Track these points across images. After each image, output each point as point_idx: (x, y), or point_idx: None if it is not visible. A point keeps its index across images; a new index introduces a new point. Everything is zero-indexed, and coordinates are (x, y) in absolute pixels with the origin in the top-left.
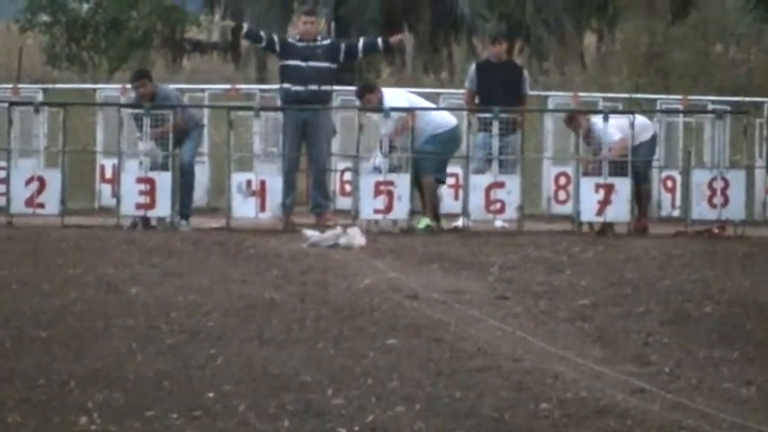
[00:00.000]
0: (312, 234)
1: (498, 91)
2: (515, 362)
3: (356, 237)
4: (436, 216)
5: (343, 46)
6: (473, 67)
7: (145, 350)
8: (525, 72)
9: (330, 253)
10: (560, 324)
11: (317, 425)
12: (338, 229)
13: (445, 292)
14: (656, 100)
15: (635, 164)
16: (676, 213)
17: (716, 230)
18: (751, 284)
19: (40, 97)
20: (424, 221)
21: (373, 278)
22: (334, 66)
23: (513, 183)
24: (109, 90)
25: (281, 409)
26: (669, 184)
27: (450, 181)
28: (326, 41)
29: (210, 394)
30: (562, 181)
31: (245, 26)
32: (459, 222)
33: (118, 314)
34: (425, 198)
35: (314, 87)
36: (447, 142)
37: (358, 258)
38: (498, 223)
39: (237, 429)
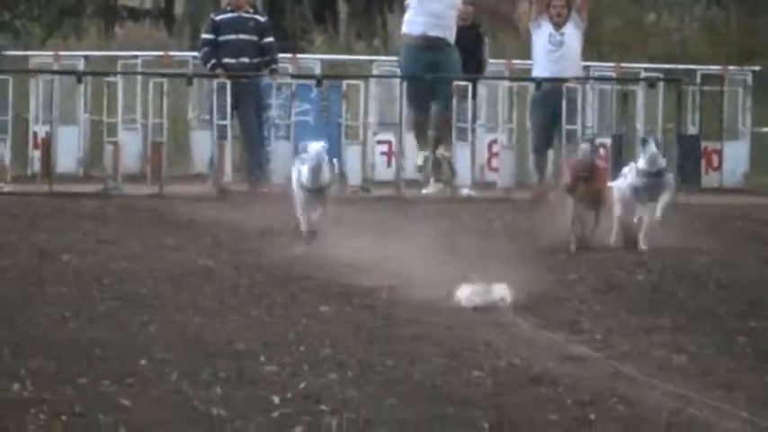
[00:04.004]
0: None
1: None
2: (448, 329)
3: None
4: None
5: (266, 40)
6: None
7: (78, 317)
8: (486, 38)
9: (265, 220)
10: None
11: (249, 392)
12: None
13: (378, 259)
14: (588, 67)
15: None
16: None
17: None
18: (683, 253)
19: None
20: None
21: (306, 246)
22: (262, 41)
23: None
24: (42, 57)
25: (214, 377)
26: (602, 152)
27: (383, 148)
28: (260, 17)
29: (143, 361)
30: (495, 148)
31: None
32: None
33: (50, 281)
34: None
35: (245, 60)
36: None
37: (295, 226)
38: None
39: (170, 397)
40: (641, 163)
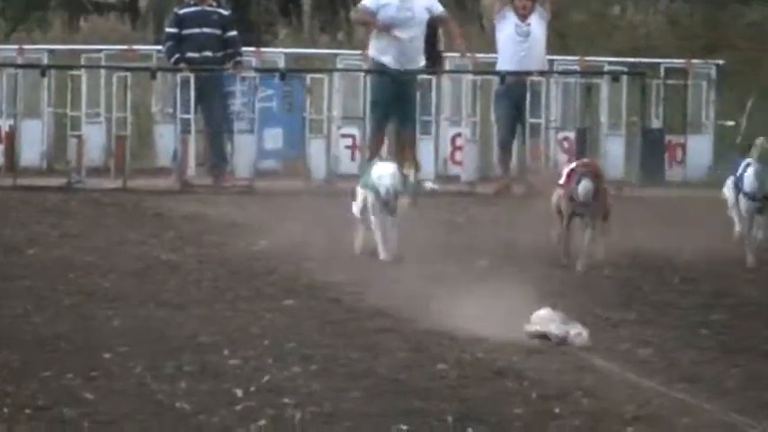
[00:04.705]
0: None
1: None
2: (413, 322)
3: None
4: None
5: (230, 34)
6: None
7: (42, 311)
8: (440, 30)
9: (228, 214)
10: (458, 285)
11: (213, 385)
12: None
13: (342, 253)
14: (552, 61)
15: None
16: None
17: (613, 192)
18: (649, 246)
19: None
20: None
21: (270, 240)
22: (226, 34)
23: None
24: (6, 51)
25: (178, 371)
26: (566, 145)
27: (347, 142)
28: (223, 11)
29: (107, 355)
30: (458, 142)
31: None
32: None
33: (15, 275)
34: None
35: (208, 54)
36: None
37: (259, 220)
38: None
39: (135, 390)
40: (747, 184)
